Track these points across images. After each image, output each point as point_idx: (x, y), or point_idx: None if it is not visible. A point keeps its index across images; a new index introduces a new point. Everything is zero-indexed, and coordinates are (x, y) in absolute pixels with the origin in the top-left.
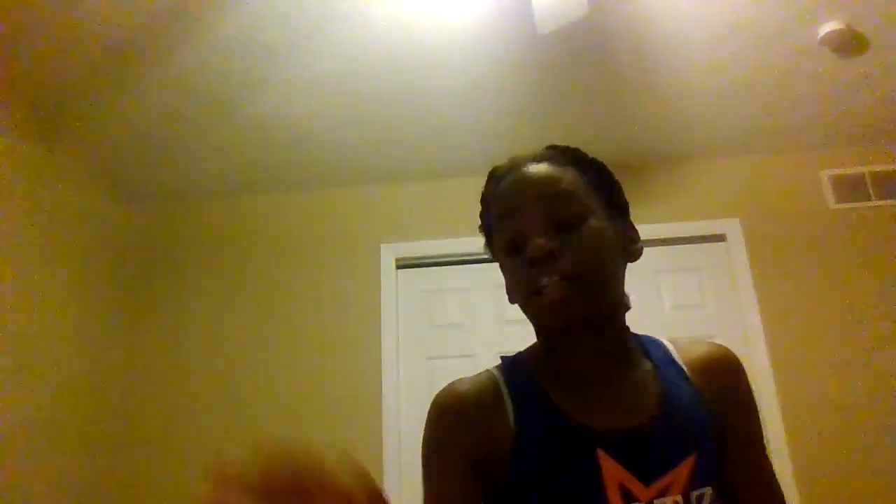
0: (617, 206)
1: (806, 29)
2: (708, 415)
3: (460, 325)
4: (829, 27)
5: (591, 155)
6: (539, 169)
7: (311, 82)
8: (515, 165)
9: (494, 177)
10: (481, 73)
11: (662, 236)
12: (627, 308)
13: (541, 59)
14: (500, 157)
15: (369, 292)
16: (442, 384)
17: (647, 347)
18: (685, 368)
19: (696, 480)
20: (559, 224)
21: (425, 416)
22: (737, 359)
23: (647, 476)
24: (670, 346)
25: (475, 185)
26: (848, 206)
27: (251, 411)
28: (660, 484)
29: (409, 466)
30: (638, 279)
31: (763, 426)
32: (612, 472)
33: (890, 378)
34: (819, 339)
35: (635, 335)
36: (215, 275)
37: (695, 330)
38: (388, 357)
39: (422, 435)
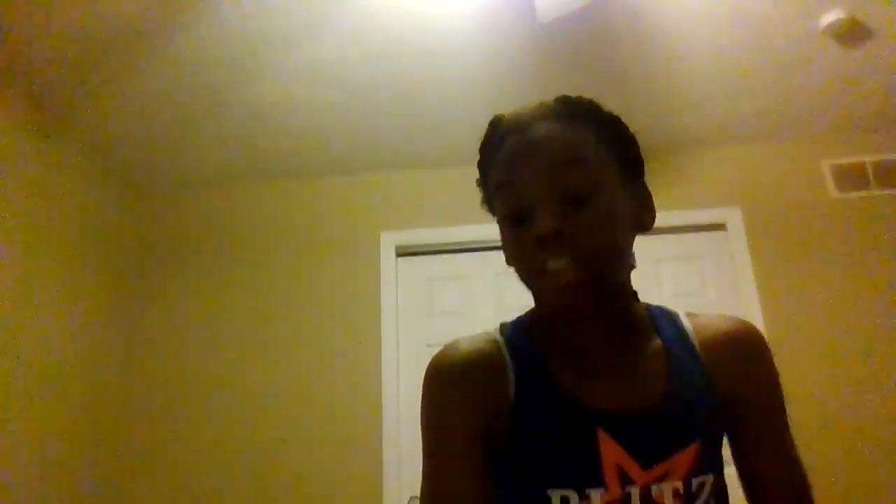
0: (632, 166)
1: (808, 18)
2: (718, 401)
3: (460, 312)
4: (831, 16)
5: (605, 108)
6: (549, 130)
7: (310, 70)
8: (522, 123)
9: (497, 129)
10: (482, 61)
11: (663, 225)
12: (632, 268)
13: (541, 47)
14: None
15: (369, 280)
16: None
17: (659, 322)
18: (699, 348)
19: (698, 468)
20: (569, 197)
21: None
22: (759, 336)
23: (646, 459)
24: (686, 322)
25: (475, 173)
26: (849, 195)
27: (251, 400)
28: (659, 469)
29: (408, 452)
30: (638, 267)
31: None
32: (611, 452)
33: (890, 367)
34: (819, 329)
35: (648, 307)
36: (214, 264)
37: None
38: (387, 344)
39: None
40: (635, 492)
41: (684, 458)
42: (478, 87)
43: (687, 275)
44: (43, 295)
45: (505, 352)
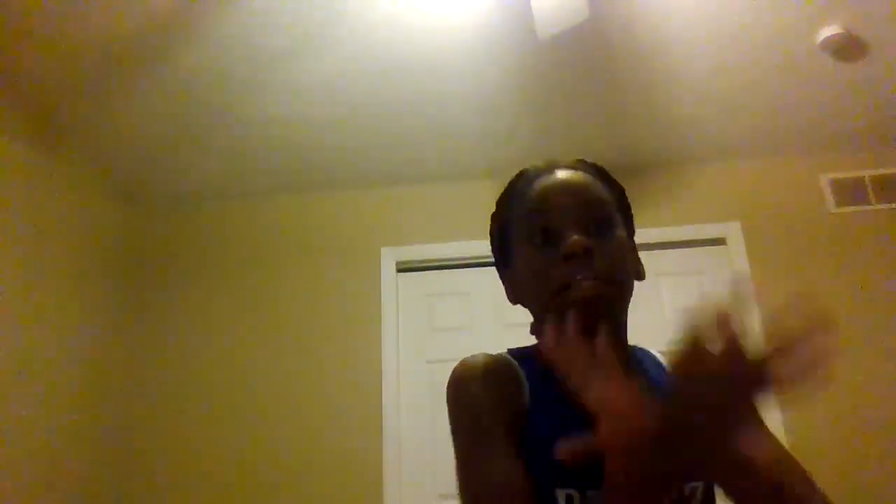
0: (630, 228)
1: (806, 34)
2: None
3: (460, 328)
4: (828, 32)
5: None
6: (576, 175)
7: (311, 86)
8: (551, 168)
9: (526, 174)
10: (482, 76)
11: (663, 240)
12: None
13: (541, 63)
14: (501, 161)
15: (370, 296)
16: (442, 388)
17: (640, 357)
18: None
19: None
20: (592, 227)
21: (424, 419)
22: None
23: None
24: (660, 358)
25: (476, 189)
26: (848, 209)
27: (251, 414)
28: None
29: (409, 469)
30: (640, 283)
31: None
32: None
33: (891, 381)
34: None
35: (633, 351)
36: (216, 279)
37: None
38: (388, 360)
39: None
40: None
41: None
42: (478, 103)
43: (687, 289)
44: (44, 309)
45: (519, 368)
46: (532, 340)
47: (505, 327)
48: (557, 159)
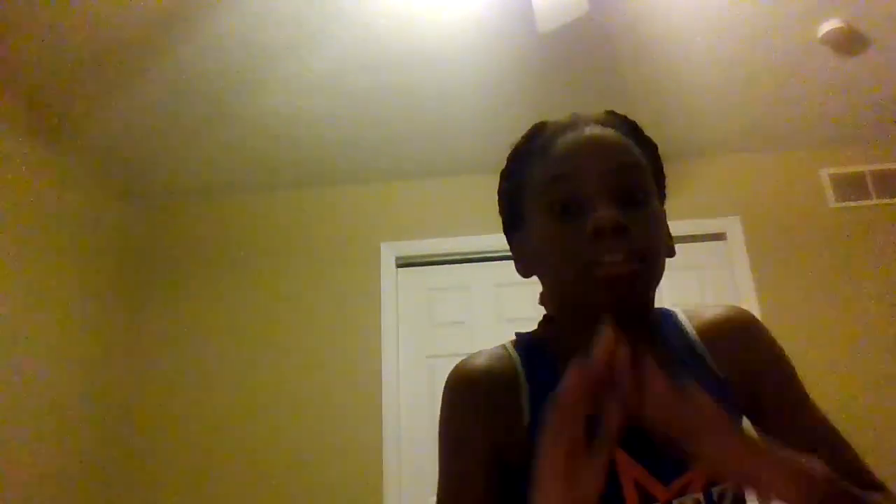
0: (662, 192)
1: (806, 27)
2: (726, 402)
3: (460, 323)
4: (829, 25)
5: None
6: (607, 133)
7: (309, 80)
8: (577, 123)
9: (546, 129)
10: (481, 70)
11: None
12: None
13: (540, 57)
14: (501, 155)
15: (369, 291)
16: (442, 383)
17: (663, 330)
18: (700, 348)
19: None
20: (626, 197)
21: (424, 414)
22: (750, 317)
23: (665, 475)
24: (684, 320)
25: (476, 184)
26: (848, 204)
27: (251, 408)
28: (678, 483)
29: (408, 462)
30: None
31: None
32: (629, 469)
33: (890, 376)
34: (819, 339)
35: (656, 319)
36: (215, 274)
37: None
38: (387, 355)
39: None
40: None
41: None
42: (478, 97)
43: (687, 284)
44: (43, 302)
45: (520, 368)
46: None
47: (505, 322)
48: (583, 112)
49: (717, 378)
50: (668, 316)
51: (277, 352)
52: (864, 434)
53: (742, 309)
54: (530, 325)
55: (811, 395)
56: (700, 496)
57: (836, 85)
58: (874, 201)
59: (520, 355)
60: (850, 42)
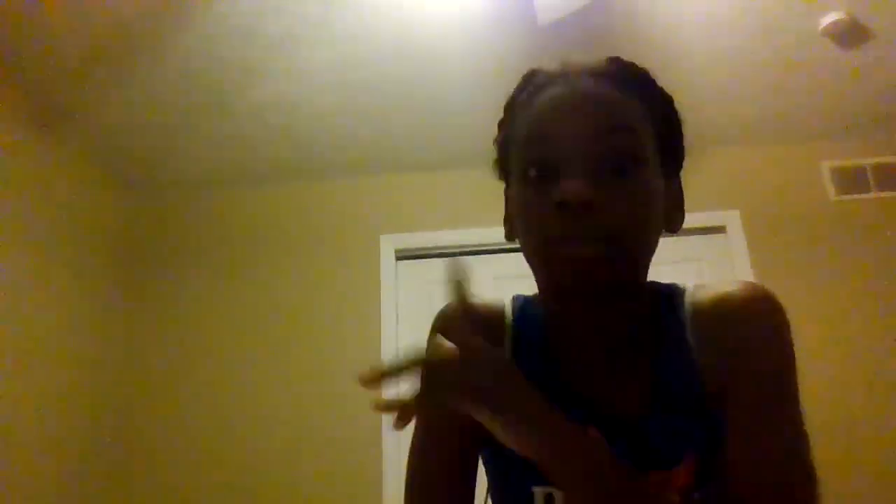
0: (674, 157)
1: (807, 19)
2: (709, 403)
3: None
4: (830, 17)
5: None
6: (599, 89)
7: (309, 72)
8: (569, 73)
9: (534, 79)
10: (482, 62)
11: None
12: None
13: (540, 49)
14: None
15: (369, 283)
16: None
17: (667, 311)
18: (690, 333)
19: (699, 481)
20: (609, 165)
21: None
22: (752, 296)
23: (637, 466)
24: (686, 301)
25: (476, 176)
26: (849, 198)
27: (250, 401)
28: (652, 478)
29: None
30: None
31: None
32: None
33: (891, 370)
34: (819, 332)
35: (656, 292)
36: (213, 265)
37: None
38: (387, 348)
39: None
40: None
41: (680, 473)
42: (478, 90)
43: (687, 277)
44: (42, 293)
45: (508, 324)
46: None
47: None
48: (579, 60)
49: (693, 376)
50: (671, 295)
51: (275, 344)
52: (864, 425)
53: (755, 287)
54: None
55: (793, 405)
56: (676, 498)
57: (837, 77)
58: (875, 194)
59: (513, 310)
60: (851, 34)
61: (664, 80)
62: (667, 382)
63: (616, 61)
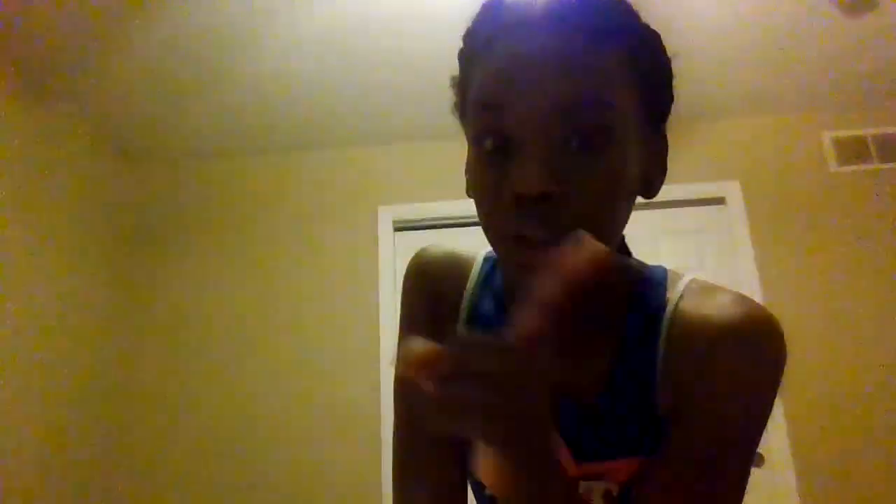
0: (658, 105)
1: None
2: (661, 414)
3: None
4: None
5: (644, 20)
6: (567, 43)
7: (307, 42)
8: (532, 19)
9: (494, 15)
10: None
11: (662, 198)
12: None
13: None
14: None
15: (367, 254)
16: None
17: (638, 303)
18: (662, 346)
19: (631, 485)
20: (573, 143)
21: None
22: (748, 332)
23: (581, 453)
24: (671, 306)
25: None
26: (849, 168)
27: (251, 373)
28: (594, 467)
29: None
30: (636, 241)
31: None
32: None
33: (891, 340)
34: (819, 304)
35: (643, 275)
36: (211, 237)
37: None
38: (386, 319)
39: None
40: None
41: (622, 468)
42: None
43: (686, 249)
44: (39, 265)
45: (472, 280)
46: None
47: None
48: (547, 1)
49: (651, 382)
50: (655, 286)
51: (275, 314)
52: (862, 397)
53: (757, 314)
54: None
55: (742, 462)
56: (615, 487)
57: (839, 47)
58: (876, 165)
59: (482, 269)
60: (854, 3)
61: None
62: (623, 376)
63: (589, 1)
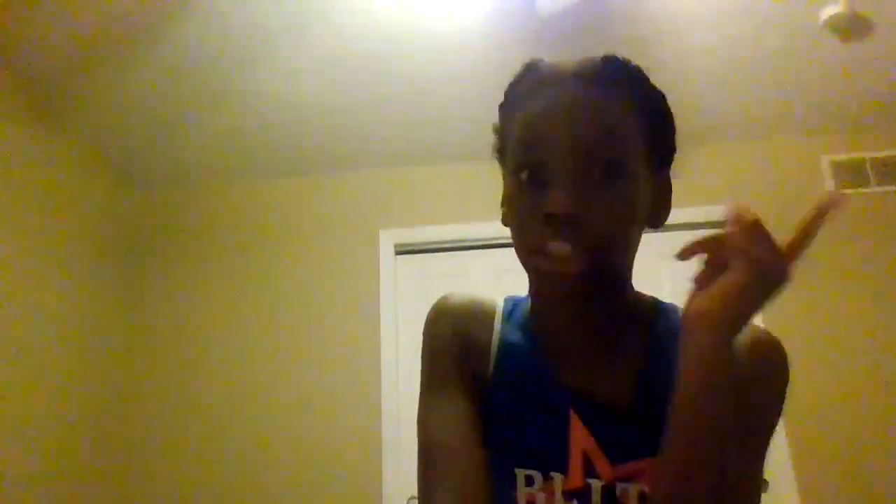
0: (663, 153)
1: (808, 12)
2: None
3: None
4: (830, 10)
5: (650, 80)
6: (589, 95)
7: (308, 65)
8: (561, 78)
9: (533, 74)
10: (481, 56)
11: None
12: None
13: (539, 41)
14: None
15: (368, 278)
16: None
17: (659, 324)
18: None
19: None
20: (595, 175)
21: None
22: (765, 347)
23: (615, 455)
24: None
25: (475, 170)
26: (848, 191)
27: (250, 395)
28: (629, 468)
29: (408, 450)
30: (637, 265)
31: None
32: (580, 439)
33: (890, 363)
34: (818, 326)
35: (656, 304)
36: (212, 260)
37: None
38: (387, 342)
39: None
40: (597, 485)
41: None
42: (477, 83)
43: (687, 272)
44: (38, 289)
45: (498, 317)
46: None
47: None
48: (576, 63)
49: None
50: (672, 311)
51: (275, 337)
52: (863, 419)
53: (769, 335)
54: None
55: (761, 459)
56: (646, 488)
57: (837, 70)
58: (874, 188)
59: (505, 308)
60: (852, 27)
61: (664, 73)
62: (653, 384)
63: (609, 62)
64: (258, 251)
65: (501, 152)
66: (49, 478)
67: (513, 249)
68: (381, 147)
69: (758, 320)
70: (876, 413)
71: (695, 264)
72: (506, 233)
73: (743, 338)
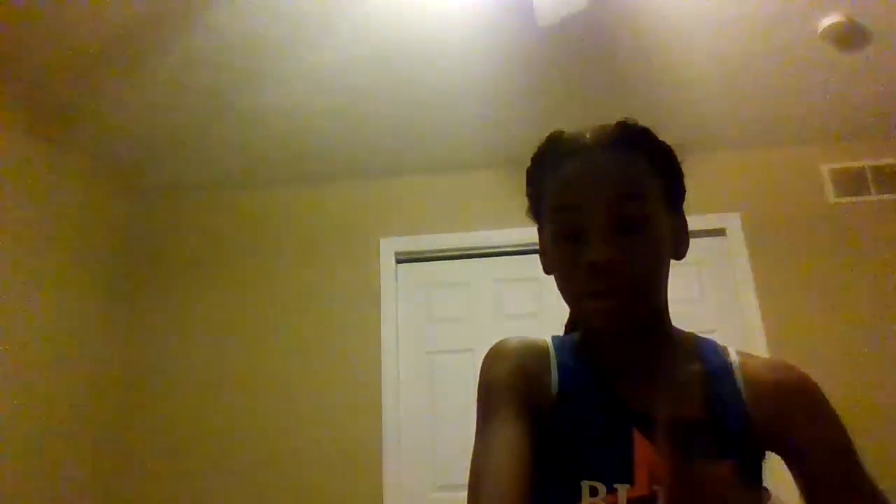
0: (676, 196)
1: (807, 21)
2: (751, 429)
3: (460, 319)
4: (829, 20)
5: (660, 138)
6: (610, 160)
7: (309, 76)
8: (583, 148)
9: (557, 146)
10: (481, 65)
11: None
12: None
13: (540, 52)
14: (501, 151)
15: (369, 286)
16: (441, 378)
17: (705, 349)
18: (740, 381)
19: None
20: (623, 227)
21: (424, 409)
22: (805, 380)
23: None
24: (734, 358)
25: (476, 179)
26: (848, 200)
27: (251, 404)
28: None
29: (408, 460)
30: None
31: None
32: (645, 453)
33: (890, 372)
34: (819, 334)
35: (696, 336)
36: (214, 269)
37: (694, 325)
38: (387, 350)
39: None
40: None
41: None
42: (478, 93)
43: (687, 280)
44: (42, 298)
45: (552, 352)
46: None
47: (505, 318)
48: (593, 132)
49: (743, 409)
50: (716, 346)
51: (277, 347)
52: (863, 427)
53: (801, 372)
54: (529, 321)
55: (862, 463)
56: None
57: (836, 79)
58: (874, 197)
59: (554, 343)
60: (850, 36)
61: (663, 82)
62: (717, 400)
63: (622, 128)
64: (260, 260)
65: (535, 212)
66: (46, 486)
67: (512, 259)
68: (381, 156)
69: (760, 329)
70: (879, 420)
71: (696, 276)
72: (506, 241)
73: (766, 375)
